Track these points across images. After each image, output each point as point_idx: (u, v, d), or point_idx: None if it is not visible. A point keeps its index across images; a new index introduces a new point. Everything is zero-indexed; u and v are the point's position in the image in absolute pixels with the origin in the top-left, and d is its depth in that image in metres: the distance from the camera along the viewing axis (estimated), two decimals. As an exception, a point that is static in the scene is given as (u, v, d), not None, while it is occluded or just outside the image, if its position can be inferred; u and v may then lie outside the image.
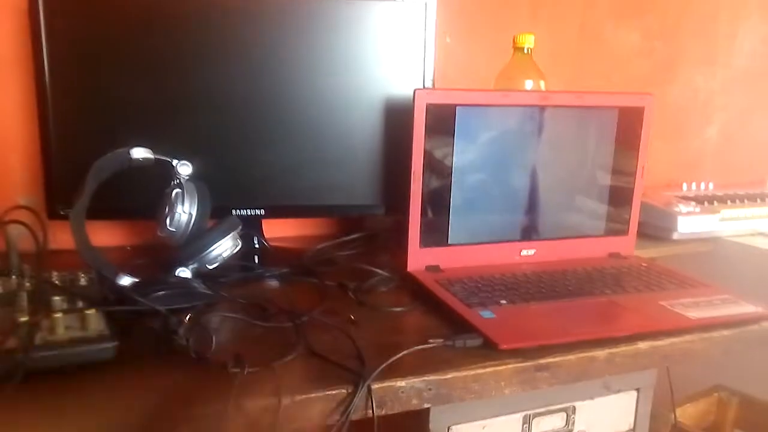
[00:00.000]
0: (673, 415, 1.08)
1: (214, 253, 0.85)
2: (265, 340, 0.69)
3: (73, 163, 0.89)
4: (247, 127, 0.98)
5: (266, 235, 1.05)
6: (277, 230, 1.12)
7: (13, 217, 0.82)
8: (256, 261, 1.00)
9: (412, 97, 0.87)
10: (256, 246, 1.03)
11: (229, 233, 0.86)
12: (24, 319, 0.60)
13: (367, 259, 0.98)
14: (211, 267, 0.86)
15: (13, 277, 0.76)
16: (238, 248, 0.88)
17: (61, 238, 0.86)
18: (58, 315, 0.61)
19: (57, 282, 0.74)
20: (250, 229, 1.00)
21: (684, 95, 1.56)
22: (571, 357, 0.68)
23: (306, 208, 1.02)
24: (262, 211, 1.00)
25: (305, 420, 0.57)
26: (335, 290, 0.86)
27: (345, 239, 1.08)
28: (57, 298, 0.67)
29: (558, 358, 0.67)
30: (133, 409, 0.52)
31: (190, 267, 0.85)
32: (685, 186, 1.40)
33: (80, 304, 0.68)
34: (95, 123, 0.93)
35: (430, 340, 0.68)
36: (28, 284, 0.72)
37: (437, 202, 0.92)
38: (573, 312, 0.78)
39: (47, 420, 0.51)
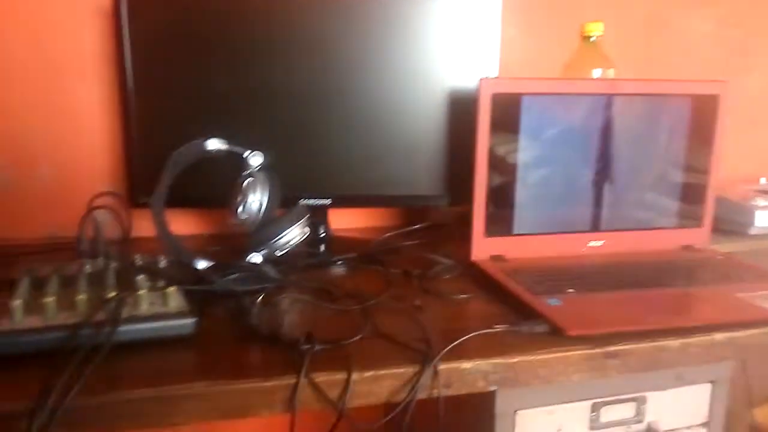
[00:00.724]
0: (750, 414, 1.04)
1: (283, 240, 0.88)
2: (333, 321, 0.71)
3: (153, 155, 0.94)
4: (316, 119, 1.00)
5: (332, 224, 1.07)
6: (343, 220, 1.14)
7: (99, 204, 0.88)
8: (322, 249, 1.03)
9: (477, 88, 0.87)
10: (323, 235, 1.05)
11: (297, 222, 0.89)
12: (111, 294, 0.64)
13: (431, 249, 0.99)
14: (279, 253, 0.89)
15: (101, 258, 0.81)
16: (306, 236, 0.91)
17: (142, 225, 0.91)
18: (142, 292, 0.65)
19: (139, 263, 0.78)
20: (317, 218, 1.02)
21: (760, 84, 1.48)
22: (643, 345, 0.67)
23: (371, 198, 1.04)
24: (329, 201, 1.02)
25: (373, 396, 0.59)
26: (400, 278, 0.88)
27: (409, 229, 1.10)
28: (140, 277, 0.71)
29: (628, 345, 0.66)
30: (211, 379, 0.55)
31: (261, 253, 0.88)
32: (762, 180, 1.33)
33: (161, 283, 0.72)
34: (173, 116, 0.98)
35: (496, 326, 0.68)
36: (113, 265, 0.77)
37: (502, 192, 0.91)
38: (644, 302, 0.76)
39: (131, 388, 0.54)
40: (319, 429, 0.64)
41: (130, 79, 0.97)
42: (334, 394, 0.57)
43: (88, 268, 0.76)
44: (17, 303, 0.60)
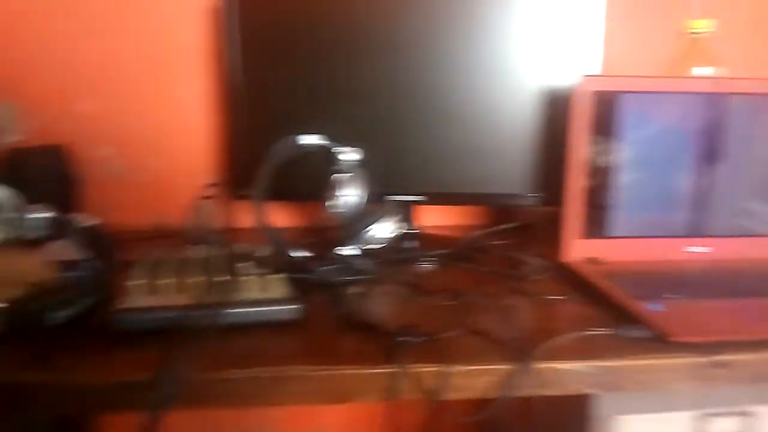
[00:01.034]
0: None
1: (374, 235, 0.90)
2: (426, 315, 0.71)
3: (254, 149, 0.98)
4: (410, 116, 1.02)
5: (422, 221, 1.08)
6: (433, 217, 1.15)
7: (204, 195, 0.93)
8: (412, 245, 1.04)
9: (574, 85, 0.86)
10: (412, 231, 1.06)
11: (388, 217, 0.91)
12: (221, 279, 0.67)
13: (520, 249, 0.98)
14: (371, 247, 0.91)
15: (205, 246, 0.85)
16: (396, 232, 0.92)
17: (243, 216, 0.95)
18: (249, 278, 0.68)
19: (243, 252, 0.82)
20: (408, 214, 1.04)
21: None
22: (754, 356, 0.63)
23: (461, 195, 1.04)
24: (419, 198, 1.03)
25: (469, 390, 0.59)
26: (490, 276, 0.87)
27: (499, 228, 1.09)
28: (244, 264, 0.74)
29: (738, 355, 0.63)
30: (313, 364, 0.57)
31: (353, 246, 0.90)
32: None
33: (264, 270, 0.75)
34: (275, 111, 1.02)
35: (593, 329, 0.66)
36: (218, 253, 0.81)
37: (597, 193, 0.89)
38: (756, 310, 0.72)
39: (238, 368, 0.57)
40: (410, 418, 0.65)
41: (238, 75, 1.02)
42: (429, 384, 0.58)
43: (195, 254, 0.80)
44: (137, 284, 0.64)
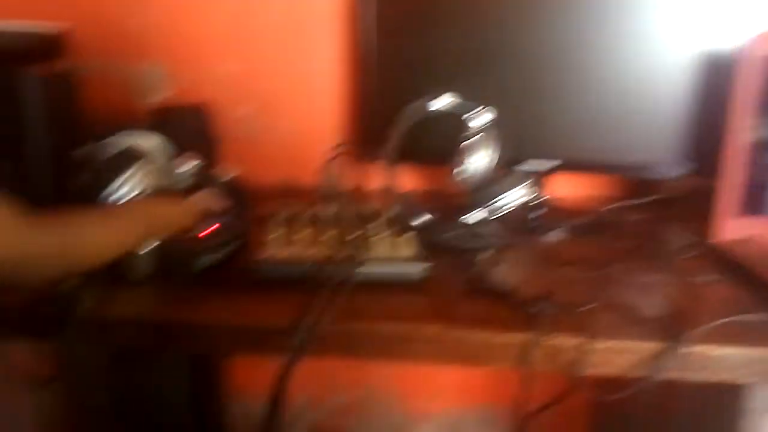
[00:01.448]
0: None
1: (503, 202, 0.87)
2: (561, 286, 0.68)
3: (385, 110, 0.97)
4: (547, 78, 0.97)
5: (554, 190, 1.03)
6: (566, 186, 1.09)
7: (334, 156, 0.94)
8: (543, 213, 0.99)
9: (739, 48, 0.77)
10: (543, 199, 1.02)
11: (520, 183, 0.87)
12: (351, 237, 0.68)
13: (663, 224, 0.91)
14: (499, 214, 0.88)
15: (337, 205, 0.87)
16: (526, 199, 0.88)
17: (371, 178, 0.96)
18: (379, 236, 0.68)
19: (372, 212, 0.82)
20: (540, 181, 0.99)
21: None
22: None
23: (599, 164, 0.98)
24: (554, 164, 0.98)
25: (609, 367, 0.55)
26: (628, 251, 0.81)
27: (639, 201, 1.01)
28: (374, 224, 0.75)
29: None
30: (446, 324, 0.56)
31: (481, 212, 0.87)
32: None
33: (393, 230, 0.75)
34: (407, 72, 1.01)
35: (749, 314, 0.60)
36: (348, 212, 0.82)
37: (757, 168, 0.80)
38: None
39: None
40: (541, 389, 0.63)
41: (372, 37, 1.01)
42: (567, 358, 0.55)
43: (326, 212, 0.82)
44: (275, 235, 0.67)
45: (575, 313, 0.58)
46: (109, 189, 0.64)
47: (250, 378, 1.26)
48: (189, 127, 1.17)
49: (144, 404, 0.94)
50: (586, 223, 0.91)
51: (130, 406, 0.93)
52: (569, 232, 0.90)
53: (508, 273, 0.66)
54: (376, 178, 0.90)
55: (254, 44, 1.18)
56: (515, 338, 0.55)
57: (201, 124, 1.20)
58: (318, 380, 1.29)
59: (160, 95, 1.22)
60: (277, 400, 0.54)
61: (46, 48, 1.11)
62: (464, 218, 0.86)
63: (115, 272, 0.61)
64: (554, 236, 0.89)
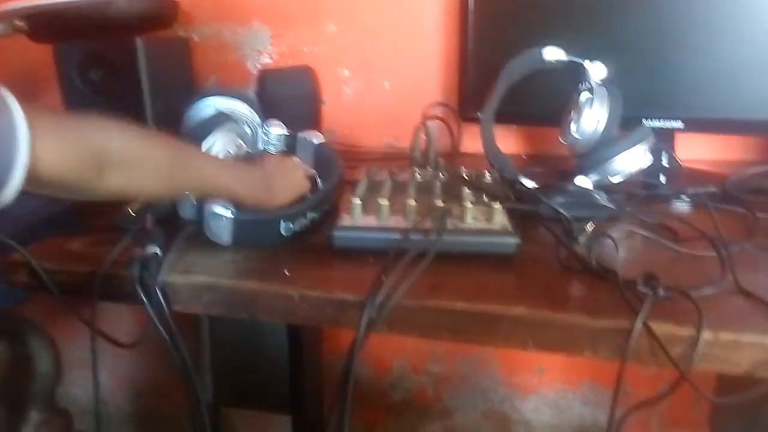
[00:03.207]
0: None
1: (619, 166, 0.78)
2: (678, 266, 0.59)
3: (486, 68, 0.91)
4: (669, 26, 0.84)
5: (678, 152, 0.92)
6: (692, 148, 0.96)
7: (431, 116, 0.90)
8: (663, 180, 0.88)
9: None
10: (665, 164, 0.90)
11: (639, 145, 0.77)
12: (440, 204, 0.63)
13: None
14: (613, 180, 0.79)
15: (430, 169, 0.82)
16: (645, 163, 0.78)
17: (470, 139, 0.90)
18: (468, 205, 0.63)
19: (465, 177, 0.77)
20: (661, 142, 0.88)
21: None
22: None
23: (732, 123, 0.85)
24: (679, 124, 0.86)
25: (727, 363, 0.47)
26: (759, 227, 0.69)
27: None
28: (466, 191, 0.69)
29: None
30: (532, 306, 0.51)
31: (591, 177, 0.79)
32: None
33: (485, 198, 0.69)
34: (510, 26, 0.93)
35: None
36: (441, 176, 0.78)
37: None
38: None
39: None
40: (645, 383, 0.56)
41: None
42: (675, 351, 0.48)
43: (418, 176, 0.78)
44: (358, 203, 0.64)
45: (690, 299, 0.50)
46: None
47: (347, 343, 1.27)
48: (292, 88, 1.17)
49: (244, 369, 0.98)
50: (713, 192, 0.79)
51: (230, 368, 0.97)
52: (692, 201, 0.79)
53: (614, 248, 0.58)
54: (476, 140, 0.84)
55: (356, 4, 1.14)
56: (616, 324, 0.49)
57: (305, 85, 1.20)
58: (419, 348, 1.28)
59: (264, 58, 1.23)
60: (347, 377, 0.51)
61: (161, 15, 1.15)
62: (571, 184, 0.78)
63: (200, 236, 0.62)
64: (674, 206, 0.79)
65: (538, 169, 0.94)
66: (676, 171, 0.89)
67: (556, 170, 0.93)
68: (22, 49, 1.09)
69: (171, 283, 0.57)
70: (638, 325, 0.48)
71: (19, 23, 1.00)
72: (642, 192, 0.81)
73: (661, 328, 0.48)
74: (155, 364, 1.42)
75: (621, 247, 0.58)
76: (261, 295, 0.56)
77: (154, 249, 0.56)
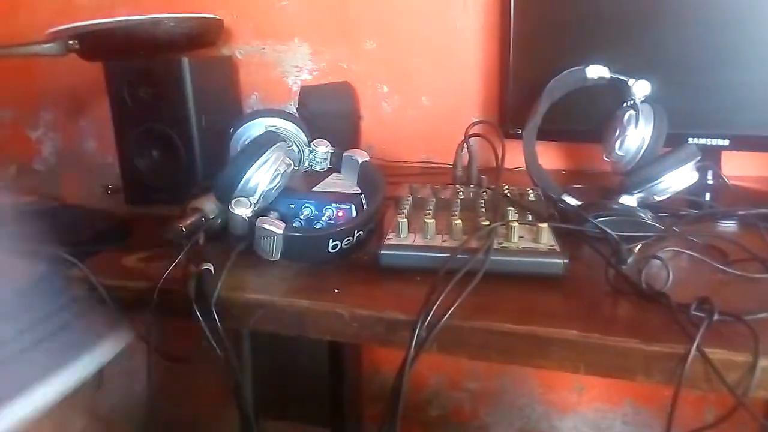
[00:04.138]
0: None
1: (665, 185, 0.77)
2: (729, 288, 0.59)
3: (528, 84, 0.91)
4: (716, 43, 0.83)
5: (724, 170, 0.90)
6: (738, 166, 0.95)
7: (473, 133, 0.90)
8: (708, 198, 0.87)
9: None
10: (710, 181, 0.89)
11: (686, 164, 0.77)
12: (485, 223, 0.64)
13: None
14: (658, 199, 0.78)
15: (472, 186, 0.83)
16: (691, 182, 0.78)
17: (512, 156, 0.90)
18: (514, 224, 0.63)
19: (509, 195, 0.77)
20: (707, 161, 0.87)
21: None
22: None
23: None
24: (725, 142, 0.85)
25: (788, 392, 0.46)
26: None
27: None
28: (510, 209, 0.69)
29: None
30: (584, 329, 0.51)
31: (636, 196, 0.78)
32: None
33: (530, 217, 0.69)
34: (552, 42, 0.93)
35: None
36: (484, 194, 0.78)
37: None
38: None
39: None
40: (690, 404, 0.55)
41: (515, 6, 0.94)
42: (731, 377, 0.47)
43: (461, 194, 0.78)
44: (403, 221, 0.64)
45: (746, 323, 0.49)
46: (248, 172, 0.65)
47: (386, 359, 1.28)
48: (332, 104, 1.19)
49: (283, 382, 0.99)
50: (764, 213, 0.78)
51: (270, 381, 0.98)
52: (743, 221, 0.78)
53: (664, 270, 0.57)
54: (517, 157, 0.84)
55: (396, 20, 1.16)
56: (670, 350, 0.48)
57: (344, 101, 1.21)
58: (456, 364, 1.28)
59: (305, 74, 1.25)
60: (397, 397, 0.52)
61: (206, 34, 1.19)
62: (616, 203, 0.77)
63: (249, 253, 0.63)
64: (721, 226, 0.78)
65: (580, 185, 0.93)
66: (721, 189, 0.88)
67: (598, 187, 0.92)
68: (75, 68, 1.13)
69: (223, 299, 0.58)
70: (693, 350, 0.47)
71: (72, 43, 1.04)
72: (688, 211, 0.80)
73: (716, 353, 0.47)
74: (195, 375, 1.45)
75: (672, 270, 0.57)
76: (311, 312, 0.57)
77: (208, 266, 0.58)
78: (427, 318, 0.52)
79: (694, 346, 0.47)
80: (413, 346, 0.52)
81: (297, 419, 1.08)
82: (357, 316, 0.55)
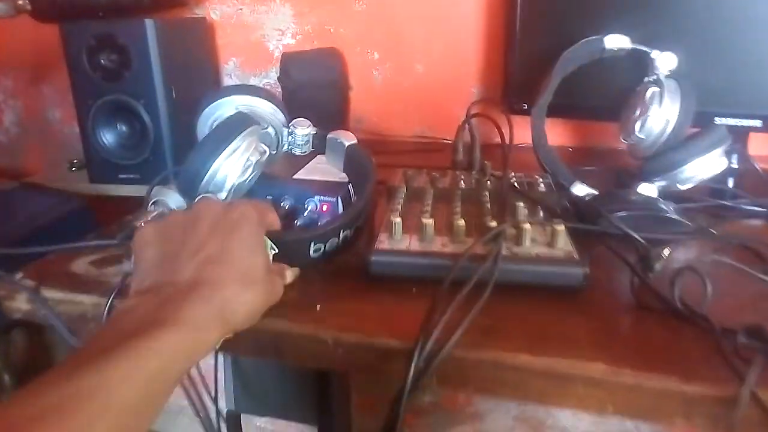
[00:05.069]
0: None
1: (691, 172, 0.68)
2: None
3: (535, 56, 0.81)
4: (749, 13, 0.74)
5: (754, 155, 0.81)
6: (759, 147, 0.86)
7: (475, 110, 0.80)
8: (731, 185, 0.79)
9: None
10: (736, 166, 0.80)
11: (715, 148, 0.68)
12: (492, 224, 0.55)
13: None
14: (682, 187, 0.70)
15: (474, 173, 0.74)
16: (721, 168, 0.69)
17: (516, 132, 0.80)
18: (526, 226, 0.54)
19: (516, 185, 0.68)
20: (738, 143, 0.78)
21: None
22: None
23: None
24: (757, 122, 0.76)
25: None
26: None
27: None
28: (519, 204, 0.61)
29: None
30: (611, 365, 0.42)
31: (656, 184, 0.70)
32: None
33: (541, 213, 0.61)
34: (564, 8, 0.83)
35: None
36: (488, 183, 0.69)
37: None
38: None
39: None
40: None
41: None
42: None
43: (462, 183, 0.69)
44: (397, 220, 0.55)
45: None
46: (215, 163, 0.56)
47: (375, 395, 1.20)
48: (318, 72, 1.08)
49: (268, 377, 0.92)
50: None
51: (254, 377, 0.91)
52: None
53: (701, 283, 0.49)
54: (521, 132, 0.75)
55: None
56: (715, 392, 0.40)
57: (331, 69, 1.10)
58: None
59: (288, 37, 1.14)
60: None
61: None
62: (634, 193, 0.69)
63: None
64: (748, 220, 0.70)
65: (591, 167, 0.85)
66: (750, 176, 0.79)
67: (611, 169, 0.84)
68: (33, 29, 1.02)
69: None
70: (745, 394, 0.39)
71: (21, 2, 0.92)
72: (719, 203, 0.71)
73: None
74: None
75: (709, 280, 0.49)
76: (288, 337, 0.48)
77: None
78: (425, 346, 0.44)
79: (747, 389, 0.39)
80: (410, 382, 0.43)
81: (283, 416, 1.01)
82: (342, 342, 0.47)
